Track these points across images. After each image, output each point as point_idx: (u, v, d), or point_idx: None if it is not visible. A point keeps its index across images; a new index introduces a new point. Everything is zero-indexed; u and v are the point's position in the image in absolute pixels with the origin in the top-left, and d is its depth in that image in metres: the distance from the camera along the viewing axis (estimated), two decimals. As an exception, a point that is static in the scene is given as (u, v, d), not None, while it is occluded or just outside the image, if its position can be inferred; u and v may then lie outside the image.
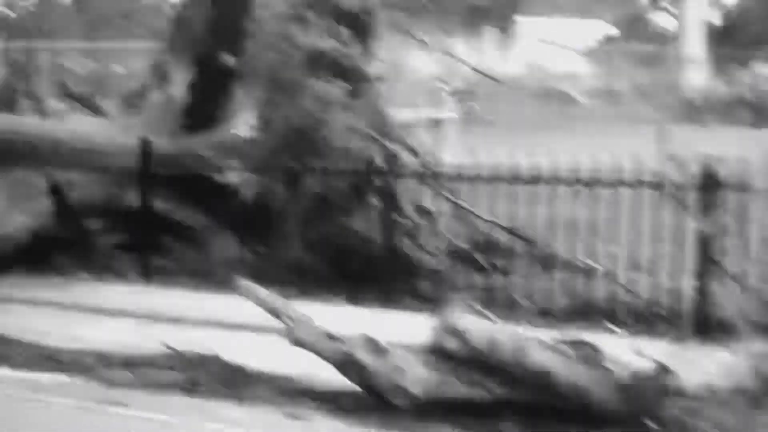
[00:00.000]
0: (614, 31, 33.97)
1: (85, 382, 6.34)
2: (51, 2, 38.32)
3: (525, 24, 28.36)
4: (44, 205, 9.28)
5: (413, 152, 9.31)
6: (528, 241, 8.27)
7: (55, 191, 9.28)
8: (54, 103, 10.41)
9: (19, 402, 5.94)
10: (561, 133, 15.16)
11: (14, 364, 6.69)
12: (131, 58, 27.69)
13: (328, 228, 8.78)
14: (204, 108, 9.90)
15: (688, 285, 7.44)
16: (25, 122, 10.95)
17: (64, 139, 9.65)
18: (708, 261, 7.32)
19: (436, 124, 11.40)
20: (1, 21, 38.63)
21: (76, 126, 12.60)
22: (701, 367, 5.81)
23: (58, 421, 5.67)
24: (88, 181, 9.44)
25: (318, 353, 5.80)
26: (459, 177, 8.48)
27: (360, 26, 9.94)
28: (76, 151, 9.54)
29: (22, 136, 9.51)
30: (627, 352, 5.56)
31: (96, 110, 10.48)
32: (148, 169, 9.27)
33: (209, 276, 8.82)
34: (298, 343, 5.85)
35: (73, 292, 8.66)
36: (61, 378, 6.43)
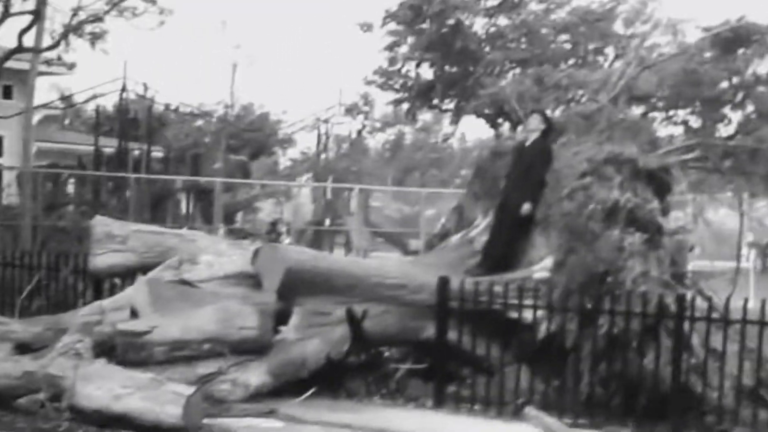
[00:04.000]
0: None
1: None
2: (363, 148, 41.41)
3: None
4: (339, 333, 9.53)
5: (706, 298, 9.61)
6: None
7: (351, 320, 9.52)
8: (362, 241, 11.42)
9: None
10: None
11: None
12: (439, 202, 29.72)
13: (620, 365, 9.04)
14: (501, 250, 10.45)
15: None
16: (324, 257, 12.09)
17: (359, 275, 10.01)
18: None
19: (733, 274, 11.54)
20: (310, 160, 42.16)
21: (376, 263, 13.62)
22: None
23: None
24: (383, 312, 9.76)
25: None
26: (747, 320, 8.71)
27: (658, 182, 10.38)
28: (371, 285, 9.85)
29: (321, 270, 9.81)
30: None
31: (405, 248, 11.19)
32: (446, 305, 9.54)
33: (500, 404, 9.10)
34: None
35: (364, 414, 8.80)
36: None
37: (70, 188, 26.78)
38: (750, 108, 23.45)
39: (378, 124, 42.68)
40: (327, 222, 30.48)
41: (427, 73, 37.17)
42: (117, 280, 10.79)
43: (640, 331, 9.04)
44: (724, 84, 23.41)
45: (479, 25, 36.61)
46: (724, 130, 23.20)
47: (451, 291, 9.62)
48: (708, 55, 22.86)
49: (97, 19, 21.68)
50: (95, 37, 22.22)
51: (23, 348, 8.90)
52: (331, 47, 71.46)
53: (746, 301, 8.97)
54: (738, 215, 12.42)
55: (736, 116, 23.73)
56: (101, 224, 10.77)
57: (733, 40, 22.21)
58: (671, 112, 23.97)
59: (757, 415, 8.62)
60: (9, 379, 8.12)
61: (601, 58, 34.86)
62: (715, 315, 9.14)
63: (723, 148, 12.74)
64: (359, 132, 42.32)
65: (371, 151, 44.33)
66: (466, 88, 35.14)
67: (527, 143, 10.86)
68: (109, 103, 32.20)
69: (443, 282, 9.65)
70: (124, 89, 29.59)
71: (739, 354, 8.86)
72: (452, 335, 9.62)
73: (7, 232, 19.97)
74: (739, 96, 23.40)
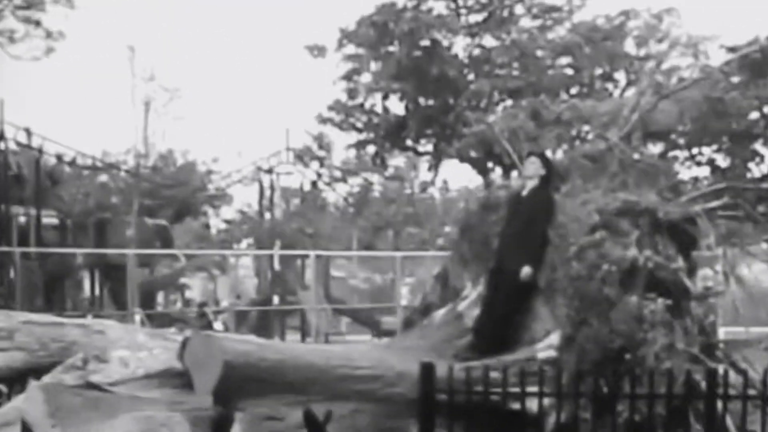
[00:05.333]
0: None
1: None
2: (319, 203, 41.42)
3: None
4: None
5: (741, 372, 9.99)
6: None
7: (311, 425, 9.40)
8: (322, 322, 11.46)
9: None
10: None
11: None
12: (418, 268, 29.73)
13: (645, 459, 9.44)
14: (497, 326, 10.70)
15: None
16: (273, 346, 11.75)
17: (320, 366, 9.97)
18: None
19: (770, 341, 11.98)
20: (251, 221, 41.72)
21: (341, 349, 13.26)
22: None
23: None
24: (353, 412, 9.74)
25: None
26: None
27: (682, 236, 10.81)
28: (336, 378, 9.83)
29: (269, 363, 9.72)
30: None
31: (377, 329, 11.34)
32: (431, 397, 9.57)
33: None
34: None
35: None
36: None
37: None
38: None
39: (337, 173, 42.88)
40: (276, 300, 30.56)
41: (397, 107, 37.68)
42: (2, 388, 10.35)
43: (667, 416, 9.39)
44: (755, 115, 24.17)
45: (460, 46, 37.14)
46: (756, 170, 23.90)
47: (438, 380, 9.69)
48: (735, 80, 23.51)
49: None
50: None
51: None
52: (275, 78, 71.71)
53: None
54: None
55: None
56: None
57: (764, 62, 22.74)
58: (695, 150, 24.63)
59: None
60: None
61: (610, 86, 35.52)
62: (751, 392, 9.53)
63: (756, 192, 13.21)
64: (314, 183, 42.45)
65: (330, 207, 44.51)
66: (446, 125, 35.58)
67: (524, 192, 11.18)
68: None
69: (427, 369, 9.72)
70: (1, 137, 29.02)
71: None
72: None
73: None
74: None
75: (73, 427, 8.75)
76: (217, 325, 29.19)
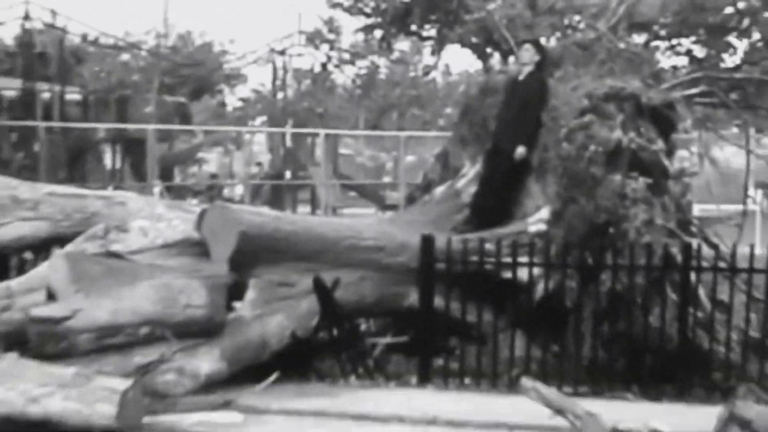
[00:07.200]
0: None
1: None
2: (328, 84, 41.14)
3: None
4: (306, 306, 9.53)
5: (713, 246, 10.31)
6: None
7: (320, 291, 9.54)
8: (330, 196, 11.46)
9: None
10: None
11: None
12: (420, 147, 29.73)
13: (624, 324, 9.64)
14: (492, 202, 10.86)
15: None
16: (286, 218, 11.64)
17: (329, 237, 10.03)
18: None
19: (741, 218, 12.12)
20: (264, 100, 41.56)
21: (348, 222, 13.30)
22: None
23: None
24: (358, 279, 9.90)
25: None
26: (756, 269, 9.43)
27: (662, 120, 10.86)
28: (343, 249, 9.93)
29: (283, 233, 9.75)
30: None
31: (382, 203, 11.40)
32: (430, 267, 9.75)
33: (494, 376, 9.53)
34: (585, 440, 6.65)
35: (339, 399, 8.85)
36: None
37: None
38: (756, 36, 24.27)
39: (346, 56, 42.48)
40: (288, 175, 30.54)
41: (403, -6, 37.21)
42: (27, 256, 10.33)
43: (645, 286, 9.59)
44: (729, 10, 24.21)
45: (464, -65, 36.57)
46: (729, 60, 23.99)
47: (437, 251, 9.83)
48: None
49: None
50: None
51: None
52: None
53: (752, 247, 9.58)
54: (745, 154, 13.02)
55: (742, 45, 24.75)
56: (4, 187, 10.40)
57: None
58: (674, 41, 24.60)
59: (763, 370, 9.34)
60: None
61: (600, -20, 35.19)
62: (722, 264, 9.78)
63: (729, 81, 13.26)
64: (323, 66, 42.04)
65: (339, 88, 44.21)
66: (449, 12, 35.19)
67: (520, 77, 11.23)
68: (7, 35, 31.53)
69: (427, 241, 9.86)
70: (26, 17, 28.67)
71: (747, 306, 9.61)
72: (438, 301, 9.83)
73: None
74: (745, 22, 24.17)
75: (94, 294, 8.77)
76: (237, 192, 29.30)
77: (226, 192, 29.48)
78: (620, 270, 9.60)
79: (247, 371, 9.02)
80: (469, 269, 9.87)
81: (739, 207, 12.66)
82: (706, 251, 10.05)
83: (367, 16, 37.98)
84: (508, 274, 9.93)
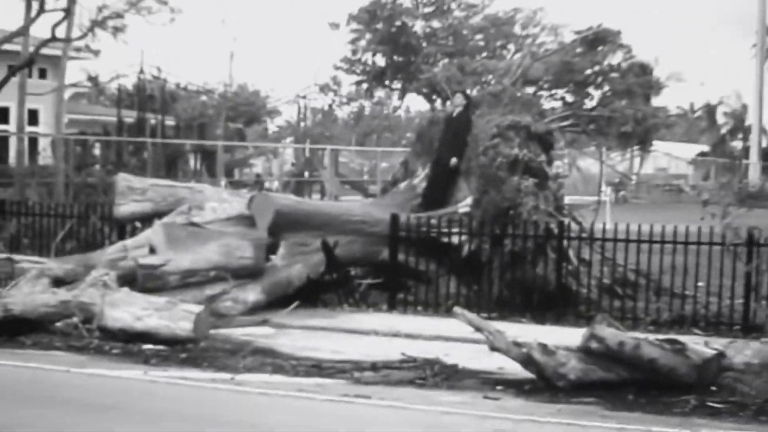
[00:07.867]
0: (707, 149, 48.87)
1: (340, 383, 6.32)
2: (333, 117, 41.08)
3: (655, 144, 30.58)
4: (316, 259, 9.40)
5: (578, 223, 9.98)
6: (647, 278, 9.27)
7: (326, 249, 9.41)
8: (333, 188, 11.42)
9: (287, 399, 5.90)
10: (674, 211, 16.49)
11: (287, 373, 6.58)
12: (391, 158, 29.70)
13: (519, 273, 9.38)
14: (436, 193, 10.54)
15: (739, 304, 8.47)
16: (304, 201, 11.91)
17: (332, 214, 10.03)
18: (750, 289, 8.38)
19: (596, 204, 11.97)
20: (292, 127, 41.64)
21: (344, 204, 13.59)
22: (744, 352, 6.46)
23: (315, 409, 5.70)
24: (350, 242, 9.74)
25: (508, 355, 6.39)
26: (606, 238, 9.27)
27: (544, 142, 10.56)
28: (341, 222, 9.79)
29: (302, 211, 9.77)
30: (701, 345, 6.44)
31: (366, 193, 11.20)
32: (396, 234, 9.69)
33: (436, 306, 9.35)
34: (495, 349, 6.43)
35: (337, 319, 8.78)
36: (322, 380, 6.38)
37: (97, 151, 25.33)
38: (606, 88, 25.00)
39: (344, 99, 42.36)
40: (306, 174, 30.27)
41: (380, 61, 37.26)
42: (137, 225, 10.35)
43: (534, 248, 9.37)
44: (589, 71, 24.83)
45: (419, 26, 36.90)
46: (589, 104, 24.58)
47: (400, 224, 9.72)
48: (579, 50, 24.34)
49: (119, 15, 20.94)
50: (117, 30, 21.38)
51: (59, 282, 8.53)
52: (308, 39, 70.48)
53: (604, 224, 9.66)
54: (599, 164, 13.00)
55: (597, 94, 25.34)
56: (124, 180, 10.32)
57: (594, 40, 23.82)
58: (554, 91, 25.05)
59: (612, 304, 9.19)
60: (47, 307, 7.81)
61: (505, 52, 35.38)
62: (584, 235, 9.65)
63: (588, 117, 13.23)
64: (330, 105, 42.03)
65: (339, 120, 44.03)
66: (409, 73, 35.34)
67: (454, 114, 10.94)
68: (128, 82, 30.88)
69: (394, 218, 9.75)
70: (141, 71, 28.55)
71: (601, 262, 9.41)
72: (401, 257, 9.73)
73: (44, 188, 18.96)
74: (599, 80, 24.90)
75: (180, 249, 8.83)
76: (274, 185, 29.08)
77: (266, 185, 29.19)
78: (517, 238, 9.38)
79: (278, 300, 8.96)
80: (421, 236, 9.74)
81: (595, 198, 12.57)
82: (574, 226, 9.85)
83: (358, 74, 37.95)
84: (445, 239, 9.77)
